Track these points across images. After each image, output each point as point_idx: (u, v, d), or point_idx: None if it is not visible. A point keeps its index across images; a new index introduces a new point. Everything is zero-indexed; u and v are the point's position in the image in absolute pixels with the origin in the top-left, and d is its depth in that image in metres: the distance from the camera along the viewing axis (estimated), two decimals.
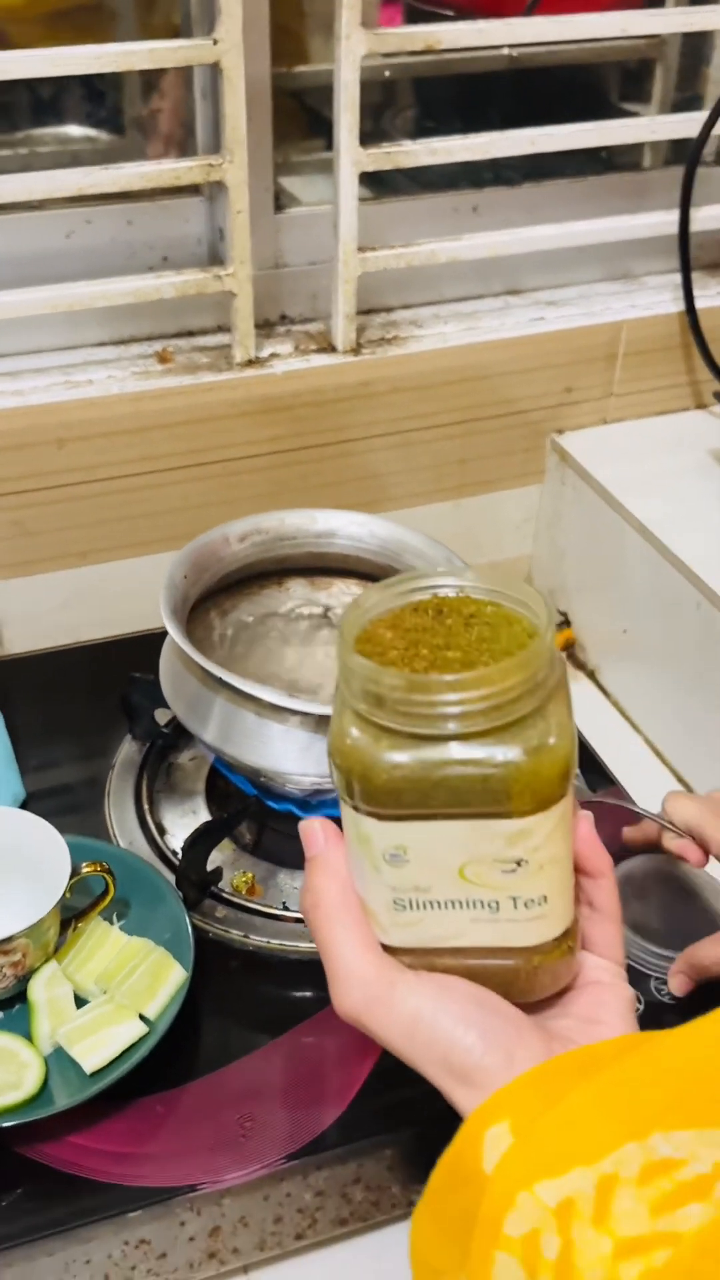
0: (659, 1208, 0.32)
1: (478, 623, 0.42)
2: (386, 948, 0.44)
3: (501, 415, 1.08)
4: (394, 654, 0.41)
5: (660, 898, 0.76)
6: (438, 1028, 0.41)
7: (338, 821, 0.44)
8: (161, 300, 0.97)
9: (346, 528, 0.87)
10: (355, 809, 0.41)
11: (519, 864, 0.41)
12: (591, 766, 0.92)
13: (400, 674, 0.39)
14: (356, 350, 1.03)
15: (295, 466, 1.03)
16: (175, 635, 0.76)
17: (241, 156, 0.91)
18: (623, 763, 0.95)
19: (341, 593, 0.89)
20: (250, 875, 0.80)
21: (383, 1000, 0.42)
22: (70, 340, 1.01)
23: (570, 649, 1.14)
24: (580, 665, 1.12)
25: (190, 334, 1.05)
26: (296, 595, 0.90)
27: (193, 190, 1.00)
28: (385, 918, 0.43)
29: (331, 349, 1.02)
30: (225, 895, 0.80)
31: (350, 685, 0.40)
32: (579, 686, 1.09)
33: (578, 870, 0.46)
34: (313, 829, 0.45)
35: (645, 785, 0.92)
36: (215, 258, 1.03)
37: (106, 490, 0.98)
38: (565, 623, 1.16)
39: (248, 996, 0.75)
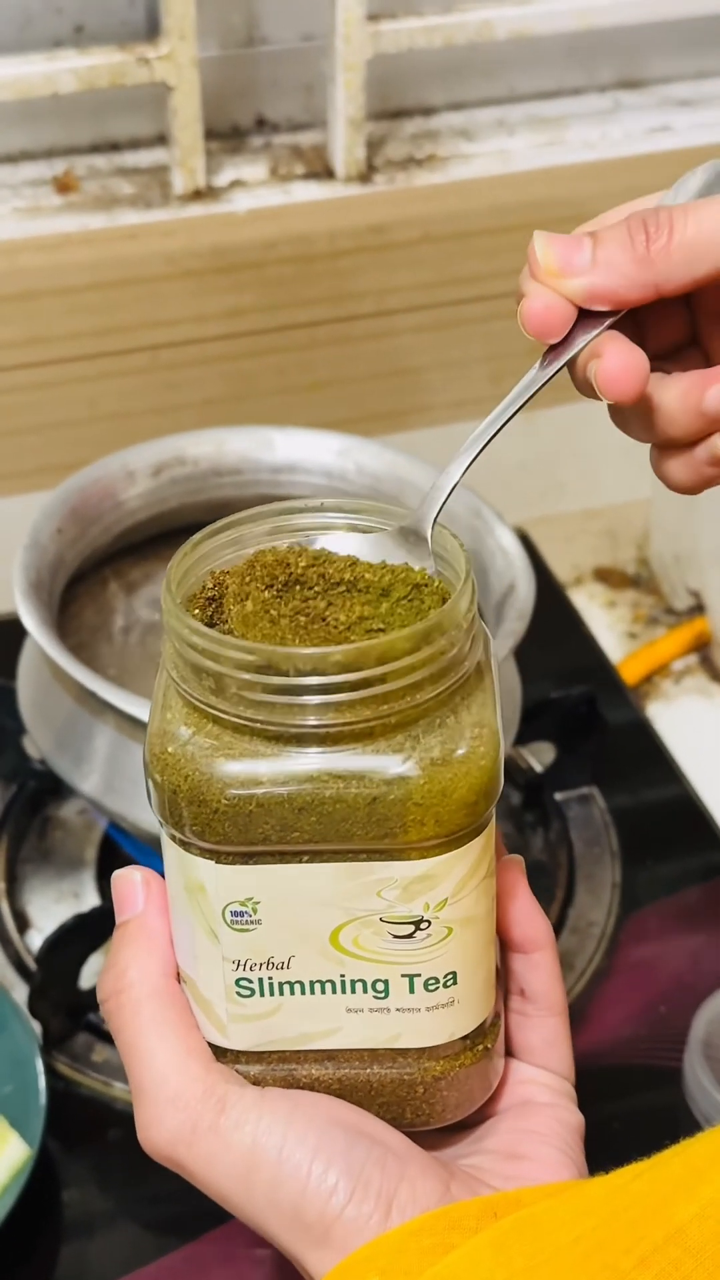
0: None
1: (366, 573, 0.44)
2: (220, 1052, 0.45)
3: None
4: (243, 619, 0.43)
5: None
6: (286, 1165, 0.42)
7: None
8: (66, 97, 0.96)
9: (318, 457, 0.86)
10: (184, 845, 0.43)
11: (418, 926, 0.43)
12: (705, 837, 0.89)
13: (251, 645, 0.41)
14: (367, 176, 1.01)
15: (267, 358, 1.02)
16: (34, 628, 0.75)
17: None
18: None
19: None
20: None
21: (209, 1129, 0.43)
22: None
23: (703, 650, 1.10)
24: (718, 675, 1.08)
25: (114, 147, 1.04)
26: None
27: None
28: (223, 1008, 0.45)
29: (328, 173, 1.01)
30: (109, 1028, 0.78)
31: (178, 661, 0.42)
32: (713, 706, 1.05)
33: (504, 941, 0.47)
34: (131, 883, 0.47)
35: None
36: (155, 27, 1.01)
37: None
38: (696, 607, 1.12)
39: (132, 1186, 0.74)
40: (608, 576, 1.17)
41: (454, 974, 0.44)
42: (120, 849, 0.86)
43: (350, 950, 0.43)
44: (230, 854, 0.42)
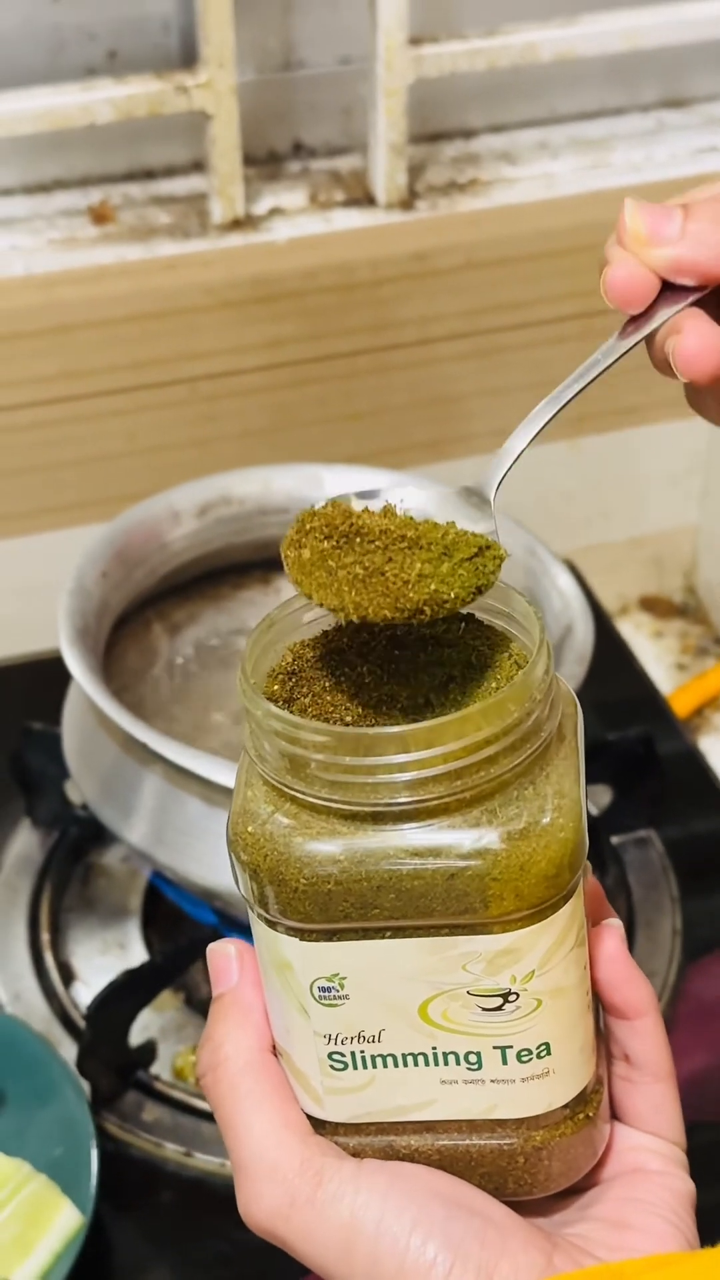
0: None
1: (446, 646, 0.44)
2: (319, 1124, 0.46)
3: None
4: (325, 703, 0.43)
5: None
6: (384, 1238, 0.43)
7: None
8: (100, 125, 0.95)
9: None
10: (270, 923, 0.43)
11: (506, 998, 0.43)
12: None
13: (326, 727, 0.41)
14: (409, 203, 1.01)
15: (308, 388, 1.01)
16: (81, 676, 0.74)
17: None
18: None
19: None
20: None
21: (306, 1203, 0.43)
22: None
23: None
24: None
25: (149, 175, 1.03)
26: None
27: None
28: (318, 1080, 0.45)
29: (369, 200, 1.01)
30: (159, 1086, 0.79)
31: (257, 741, 0.42)
32: None
33: (604, 1006, 0.48)
34: (225, 955, 0.47)
35: None
36: (190, 52, 1.00)
37: (4, 425, 0.97)
38: None
39: (185, 1250, 0.73)
40: (654, 606, 1.16)
41: (547, 1045, 0.44)
42: (165, 897, 0.85)
43: (440, 1023, 0.43)
44: (314, 932, 0.42)
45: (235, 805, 0.43)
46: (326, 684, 0.44)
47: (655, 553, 1.16)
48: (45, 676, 0.85)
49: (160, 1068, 0.79)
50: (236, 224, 0.98)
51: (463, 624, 0.44)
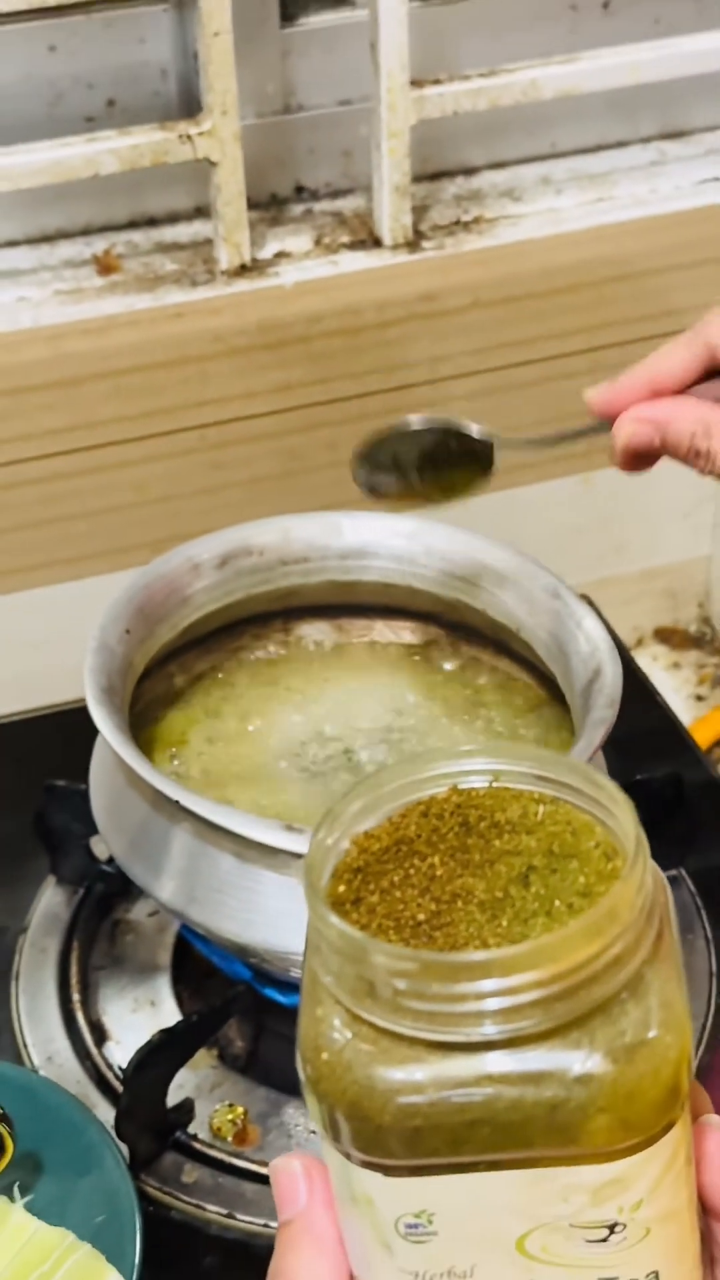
0: None
1: (523, 832, 0.42)
2: None
3: (654, 336, 1.03)
4: (394, 899, 0.41)
5: None
6: None
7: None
8: (102, 175, 0.97)
9: (388, 541, 0.86)
10: (347, 1157, 0.41)
11: (612, 1229, 0.41)
12: None
13: (409, 953, 0.39)
14: (415, 243, 1.02)
15: (317, 432, 1.02)
16: (109, 733, 0.74)
17: None
18: None
19: (384, 642, 0.89)
20: (241, 1110, 0.80)
21: None
22: None
23: None
24: None
25: (152, 223, 1.05)
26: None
27: None
28: None
29: (375, 241, 1.03)
30: (198, 1145, 0.79)
31: (325, 959, 0.40)
32: None
33: (709, 1212, 0.45)
34: (291, 1174, 0.44)
35: None
36: (190, 99, 1.02)
37: (15, 479, 0.98)
38: None
39: None
40: (669, 637, 1.17)
41: (656, 1273, 0.42)
42: (195, 951, 0.85)
43: (539, 1256, 0.41)
44: (399, 1169, 0.40)
45: (304, 1027, 0.41)
46: (395, 879, 0.41)
47: (669, 585, 1.17)
48: (63, 730, 0.86)
49: (198, 1127, 0.79)
50: (243, 269, 0.99)
51: (541, 808, 0.42)
